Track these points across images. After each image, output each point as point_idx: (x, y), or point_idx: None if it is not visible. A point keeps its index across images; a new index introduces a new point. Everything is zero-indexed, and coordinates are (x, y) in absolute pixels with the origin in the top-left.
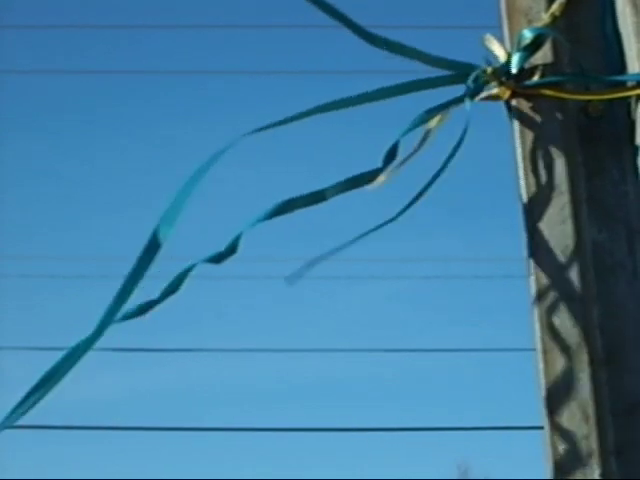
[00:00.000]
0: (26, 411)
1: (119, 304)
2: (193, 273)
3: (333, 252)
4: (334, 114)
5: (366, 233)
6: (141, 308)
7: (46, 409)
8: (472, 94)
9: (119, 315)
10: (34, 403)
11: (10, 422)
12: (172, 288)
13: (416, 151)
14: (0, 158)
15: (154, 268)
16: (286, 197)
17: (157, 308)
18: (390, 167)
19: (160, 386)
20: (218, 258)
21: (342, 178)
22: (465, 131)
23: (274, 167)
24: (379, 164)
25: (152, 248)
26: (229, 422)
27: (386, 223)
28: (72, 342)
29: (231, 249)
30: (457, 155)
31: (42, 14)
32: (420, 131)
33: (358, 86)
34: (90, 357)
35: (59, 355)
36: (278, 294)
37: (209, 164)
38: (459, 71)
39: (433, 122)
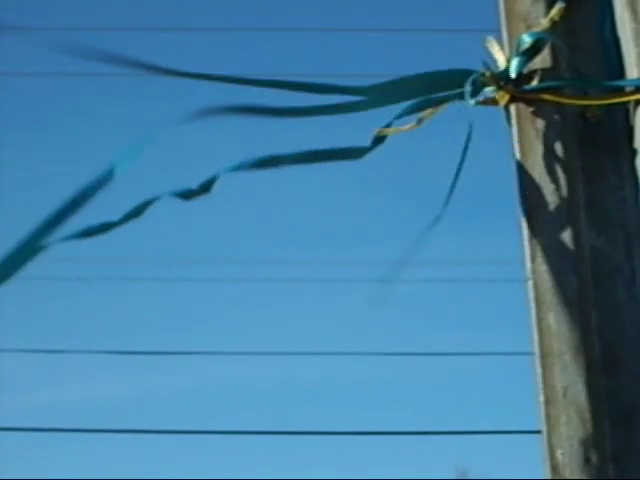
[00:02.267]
0: None
1: (51, 227)
2: (195, 276)
3: (399, 267)
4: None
5: (419, 241)
6: (100, 227)
7: (47, 412)
8: (472, 97)
9: (76, 231)
10: None
11: None
12: (134, 213)
13: (402, 132)
14: (0, 160)
15: (159, 272)
16: (287, 195)
17: (116, 230)
18: (378, 147)
19: (160, 389)
20: (188, 194)
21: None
22: (470, 135)
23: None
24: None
25: (104, 179)
26: (230, 425)
27: (419, 244)
28: (72, 344)
29: (204, 188)
30: (466, 159)
31: (43, 16)
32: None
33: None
34: (91, 360)
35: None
36: (279, 297)
37: (182, 121)
38: (455, 79)
39: (426, 112)
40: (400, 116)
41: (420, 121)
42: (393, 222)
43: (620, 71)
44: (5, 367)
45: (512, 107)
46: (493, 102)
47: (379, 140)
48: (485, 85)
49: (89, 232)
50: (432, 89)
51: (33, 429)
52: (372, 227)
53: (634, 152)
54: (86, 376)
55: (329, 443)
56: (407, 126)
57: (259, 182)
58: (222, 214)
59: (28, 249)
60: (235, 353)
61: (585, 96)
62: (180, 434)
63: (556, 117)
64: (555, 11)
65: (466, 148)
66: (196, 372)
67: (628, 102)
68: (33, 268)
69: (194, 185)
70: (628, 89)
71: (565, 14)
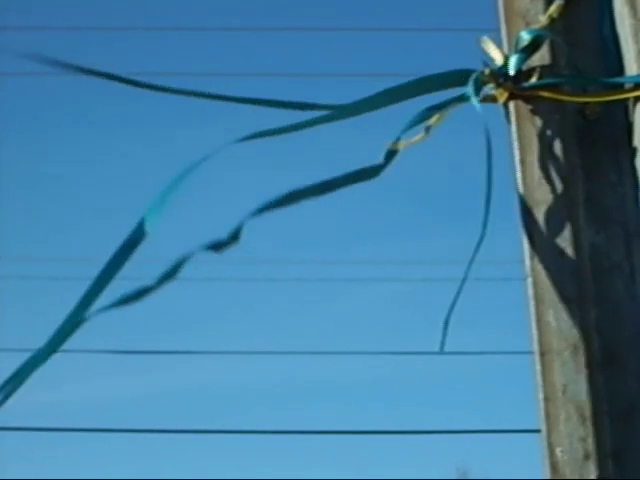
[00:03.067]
0: None
1: (94, 294)
2: (195, 276)
3: (453, 304)
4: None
5: (468, 266)
6: (136, 293)
7: (47, 412)
8: (476, 96)
9: (114, 300)
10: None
11: None
12: (169, 274)
13: (413, 144)
14: (0, 160)
15: (159, 272)
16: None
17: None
18: (392, 162)
19: (160, 389)
20: (219, 246)
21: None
22: (488, 136)
23: (275, 170)
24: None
25: (136, 238)
26: (231, 425)
27: (472, 260)
28: (72, 344)
29: (233, 238)
30: (492, 164)
31: (43, 15)
32: (419, 127)
33: (360, 89)
34: (91, 360)
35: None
36: (279, 297)
37: (200, 163)
38: (456, 80)
39: (433, 120)
40: (407, 128)
41: (428, 130)
42: (393, 222)
43: (619, 68)
44: (5, 367)
45: (511, 105)
46: (492, 100)
47: (391, 155)
48: (485, 83)
49: (126, 299)
50: (434, 90)
51: (33, 429)
52: (372, 227)
53: (633, 150)
54: (86, 376)
55: (329, 443)
56: (417, 137)
57: (260, 183)
58: (221, 213)
59: (72, 321)
60: (235, 353)
61: (584, 93)
62: (180, 434)
63: (555, 114)
64: (554, 8)
65: (489, 154)
66: (196, 372)
67: (627, 99)
68: (34, 268)
69: (223, 236)
70: (627, 86)
71: (564, 11)
